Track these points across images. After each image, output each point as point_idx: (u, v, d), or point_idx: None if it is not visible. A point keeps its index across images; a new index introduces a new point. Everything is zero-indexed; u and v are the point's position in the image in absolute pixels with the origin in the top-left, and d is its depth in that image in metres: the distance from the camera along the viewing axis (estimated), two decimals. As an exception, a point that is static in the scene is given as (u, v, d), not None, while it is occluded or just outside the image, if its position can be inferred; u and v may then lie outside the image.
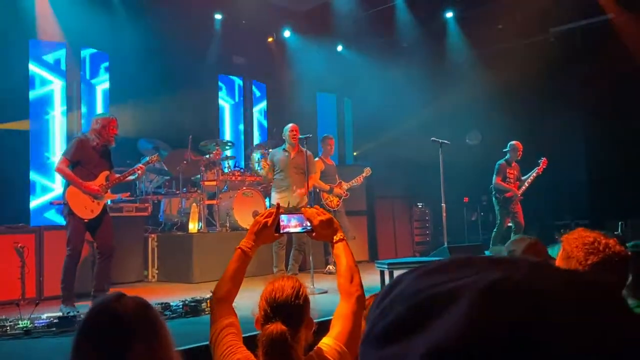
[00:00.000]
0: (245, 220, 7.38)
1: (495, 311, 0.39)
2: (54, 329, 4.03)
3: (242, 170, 8.21)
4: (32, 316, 4.12)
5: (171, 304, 4.61)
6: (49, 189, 7.45)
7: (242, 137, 10.64)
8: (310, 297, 1.87)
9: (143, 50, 8.05)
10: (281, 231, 1.91)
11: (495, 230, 7.76)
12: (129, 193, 6.74)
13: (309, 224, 1.89)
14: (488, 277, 0.42)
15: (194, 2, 8.93)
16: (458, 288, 0.41)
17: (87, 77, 8.31)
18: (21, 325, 4.01)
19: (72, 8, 7.41)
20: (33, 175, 7.38)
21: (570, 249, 1.87)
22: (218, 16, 9.80)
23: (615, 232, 6.66)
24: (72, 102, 7.97)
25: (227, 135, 10.31)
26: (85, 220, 5.03)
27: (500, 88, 9.24)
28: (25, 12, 7.29)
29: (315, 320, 1.81)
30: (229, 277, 1.86)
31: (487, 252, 6.72)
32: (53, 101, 7.80)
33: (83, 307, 4.60)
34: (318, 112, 11.60)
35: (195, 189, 7.85)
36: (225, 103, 10.55)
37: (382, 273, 5.53)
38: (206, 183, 7.73)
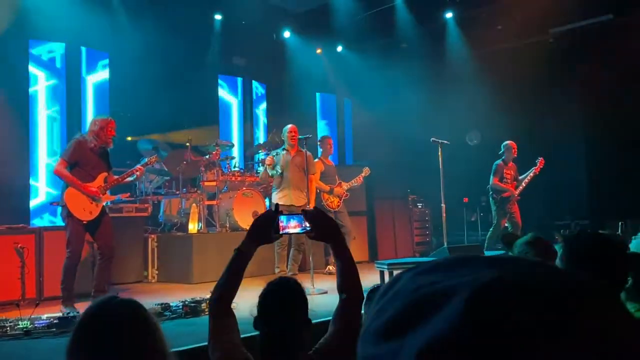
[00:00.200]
0: (245, 220, 7.38)
1: (489, 310, 0.39)
2: (54, 329, 4.03)
3: (242, 171, 8.22)
4: (32, 317, 4.12)
5: (171, 304, 4.62)
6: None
7: (243, 137, 10.65)
8: (310, 298, 1.87)
9: (143, 50, 8.06)
10: (280, 232, 1.90)
11: (491, 230, 7.75)
12: (129, 194, 6.74)
13: (308, 224, 1.89)
14: (484, 276, 0.42)
15: (194, 2, 8.94)
16: (454, 286, 0.42)
17: (87, 77, 8.32)
18: (21, 326, 4.01)
19: (72, 8, 7.42)
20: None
21: None
22: (218, 16, 9.81)
23: (616, 233, 6.65)
24: (71, 102, 7.99)
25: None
26: (84, 222, 5.02)
27: (500, 88, 9.25)
28: (25, 12, 7.29)
29: (314, 321, 1.81)
30: (227, 279, 1.85)
31: (486, 253, 6.71)
32: (53, 101, 7.81)
33: (83, 308, 4.60)
34: (318, 113, 11.62)
35: (195, 189, 7.85)
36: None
37: (382, 273, 5.53)
38: (206, 183, 7.73)
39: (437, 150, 6.85)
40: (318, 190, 7.32)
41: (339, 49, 11.17)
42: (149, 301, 4.65)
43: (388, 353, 0.41)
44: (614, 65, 8.55)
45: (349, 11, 9.82)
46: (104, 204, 5.23)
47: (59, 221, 6.84)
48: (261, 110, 11.03)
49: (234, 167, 8.26)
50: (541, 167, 7.69)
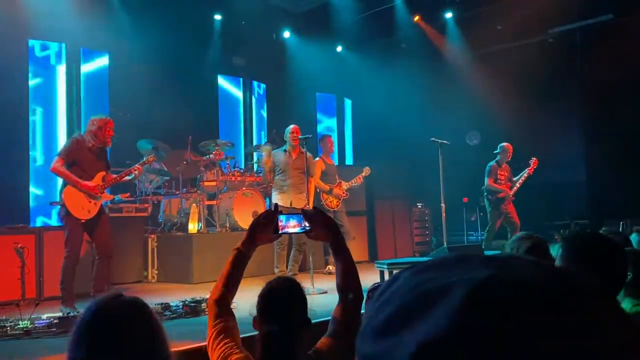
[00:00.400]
0: (245, 220, 7.38)
1: (484, 308, 0.40)
2: (54, 329, 4.03)
3: (241, 171, 8.21)
4: (32, 316, 4.12)
5: (171, 304, 4.61)
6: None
7: (242, 137, 10.65)
8: (310, 298, 1.87)
9: (143, 50, 8.06)
10: (279, 232, 1.90)
11: (486, 231, 7.75)
12: (129, 194, 6.74)
13: (307, 224, 1.89)
14: (481, 274, 0.42)
15: (194, 2, 8.94)
16: (451, 284, 0.42)
17: (87, 77, 8.32)
18: (21, 326, 4.01)
19: (72, 8, 7.42)
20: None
21: None
22: (218, 16, 9.81)
23: (616, 230, 6.64)
24: (71, 102, 7.99)
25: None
26: (82, 221, 5.02)
27: (499, 88, 9.24)
28: (25, 12, 7.29)
29: (314, 321, 1.81)
30: (226, 279, 1.85)
31: (485, 252, 6.71)
32: (52, 101, 7.81)
33: (83, 308, 4.60)
34: (318, 113, 11.61)
35: (195, 189, 7.85)
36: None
37: (381, 273, 5.53)
38: (206, 183, 7.73)
39: (437, 150, 6.84)
40: (317, 190, 7.32)
41: (339, 49, 11.17)
42: (149, 301, 4.61)
43: (386, 350, 0.42)
44: (614, 66, 8.54)
45: (349, 11, 9.82)
46: (102, 203, 5.22)
47: (53, 222, 6.87)
48: (261, 110, 11.03)
49: (234, 167, 8.26)
50: (535, 167, 7.69)
